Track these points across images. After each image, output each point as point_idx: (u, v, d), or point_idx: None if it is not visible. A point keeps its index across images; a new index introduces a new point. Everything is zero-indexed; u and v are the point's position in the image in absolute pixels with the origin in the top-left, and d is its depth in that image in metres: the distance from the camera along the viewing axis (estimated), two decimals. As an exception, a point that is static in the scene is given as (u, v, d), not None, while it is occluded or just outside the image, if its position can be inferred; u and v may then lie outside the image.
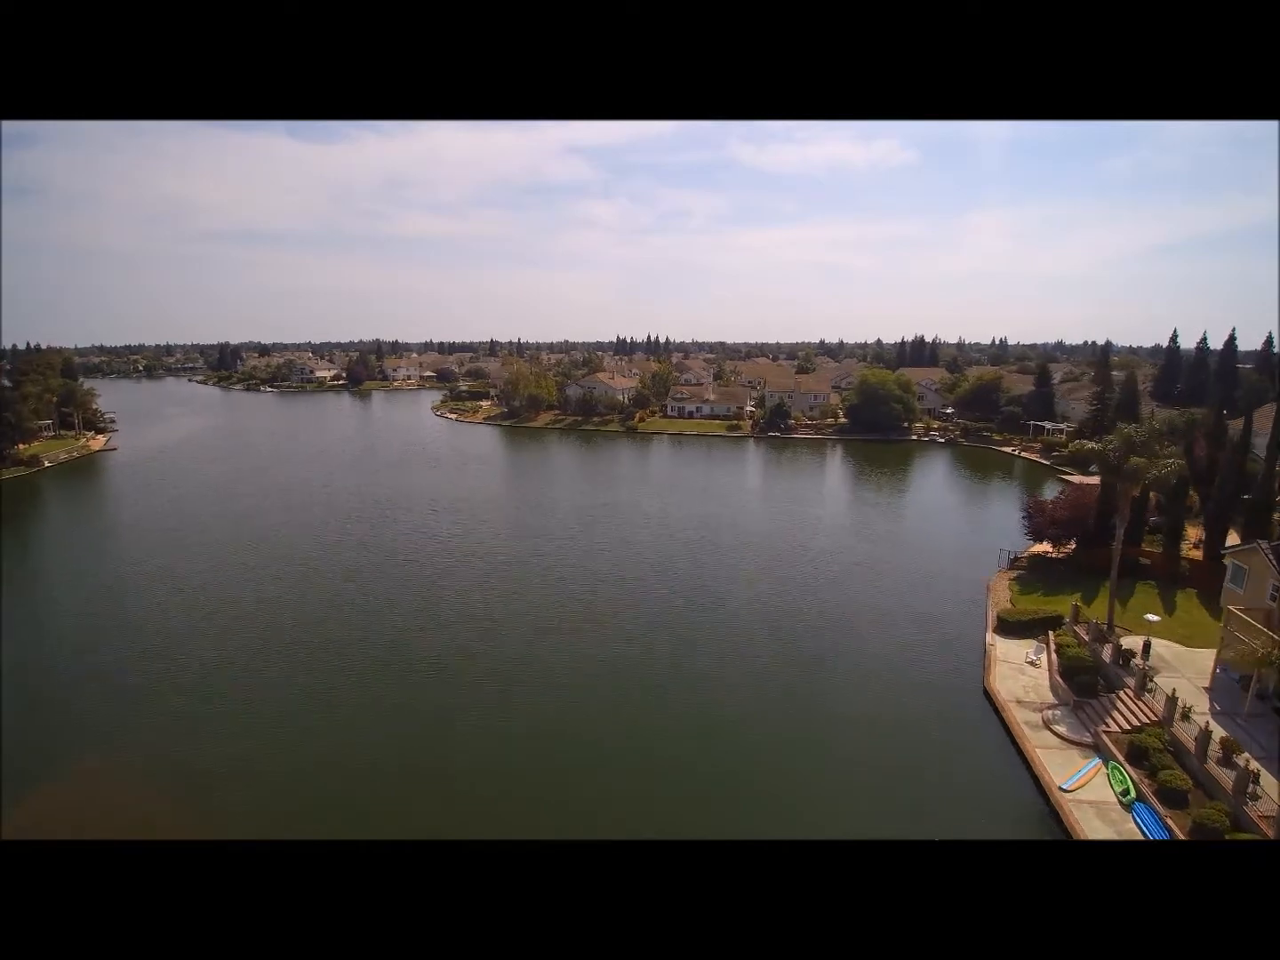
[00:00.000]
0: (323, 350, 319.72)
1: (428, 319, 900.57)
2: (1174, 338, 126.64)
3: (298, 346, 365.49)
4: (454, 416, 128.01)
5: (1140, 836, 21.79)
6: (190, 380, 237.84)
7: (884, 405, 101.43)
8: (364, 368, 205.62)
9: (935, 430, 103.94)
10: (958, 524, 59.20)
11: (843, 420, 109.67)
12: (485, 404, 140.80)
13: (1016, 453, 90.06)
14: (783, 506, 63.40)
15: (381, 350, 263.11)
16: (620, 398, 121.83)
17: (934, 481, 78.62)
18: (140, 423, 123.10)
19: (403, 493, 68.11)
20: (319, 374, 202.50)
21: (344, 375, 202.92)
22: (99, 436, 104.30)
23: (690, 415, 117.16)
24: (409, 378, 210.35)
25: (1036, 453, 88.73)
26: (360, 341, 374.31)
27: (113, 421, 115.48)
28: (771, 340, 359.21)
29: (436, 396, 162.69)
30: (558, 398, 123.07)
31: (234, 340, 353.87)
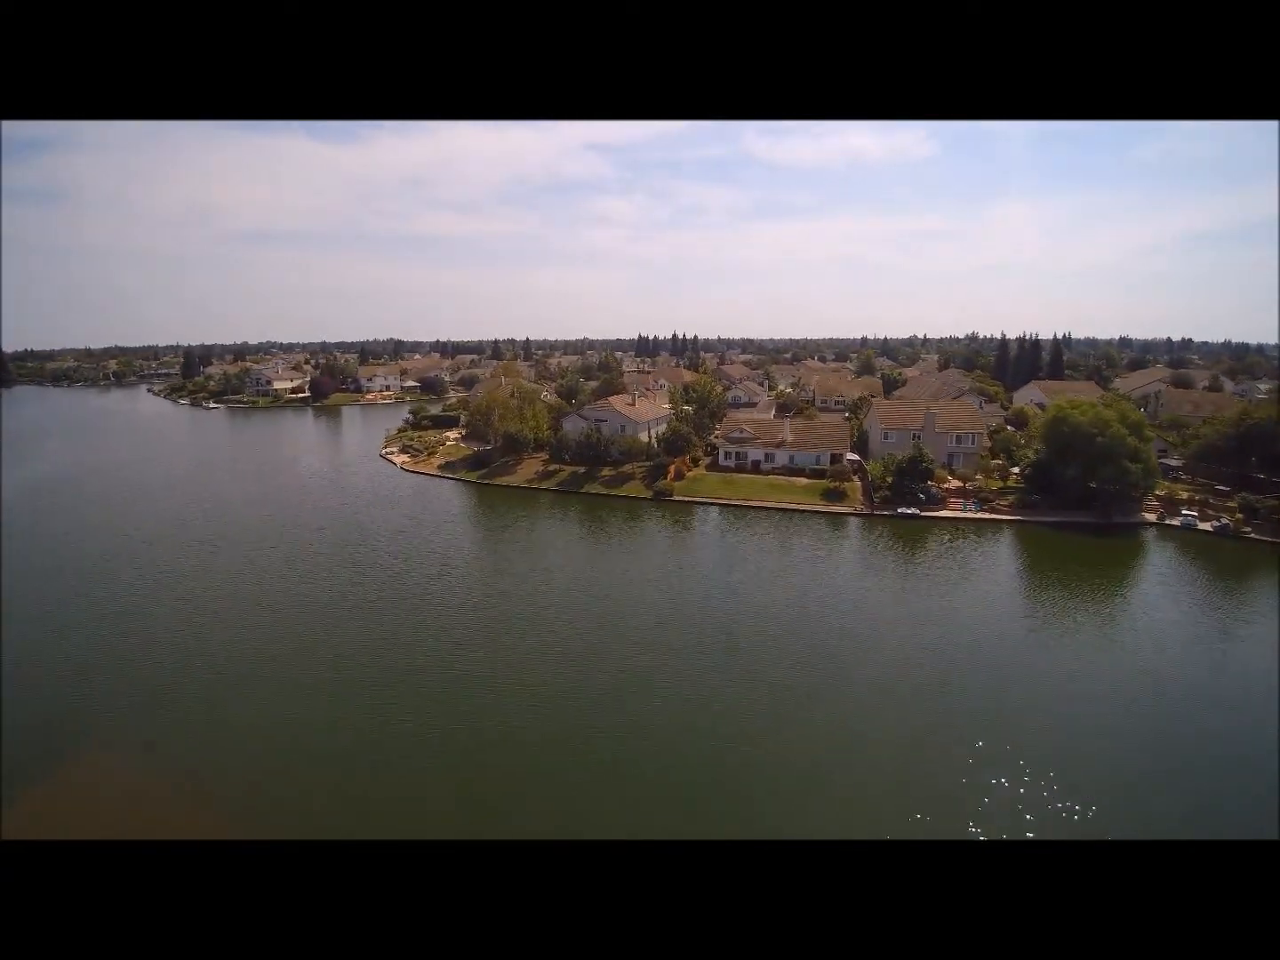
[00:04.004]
0: (339, 350, 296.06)
1: (445, 317, 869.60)
2: None
3: (308, 346, 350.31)
4: (402, 461, 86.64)
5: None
6: (149, 390, 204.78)
7: (1104, 464, 58.11)
8: (330, 378, 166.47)
9: (1189, 508, 59.81)
10: None
11: (1014, 479, 66.62)
12: (451, 435, 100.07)
13: None
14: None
15: (366, 352, 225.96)
16: (645, 436, 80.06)
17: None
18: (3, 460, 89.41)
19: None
20: (277, 386, 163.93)
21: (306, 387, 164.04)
22: None
23: (756, 465, 74.73)
24: (386, 389, 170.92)
25: None
26: (374, 340, 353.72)
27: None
28: (795, 335, 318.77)
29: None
30: (550, 437, 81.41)
31: (252, 340, 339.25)
